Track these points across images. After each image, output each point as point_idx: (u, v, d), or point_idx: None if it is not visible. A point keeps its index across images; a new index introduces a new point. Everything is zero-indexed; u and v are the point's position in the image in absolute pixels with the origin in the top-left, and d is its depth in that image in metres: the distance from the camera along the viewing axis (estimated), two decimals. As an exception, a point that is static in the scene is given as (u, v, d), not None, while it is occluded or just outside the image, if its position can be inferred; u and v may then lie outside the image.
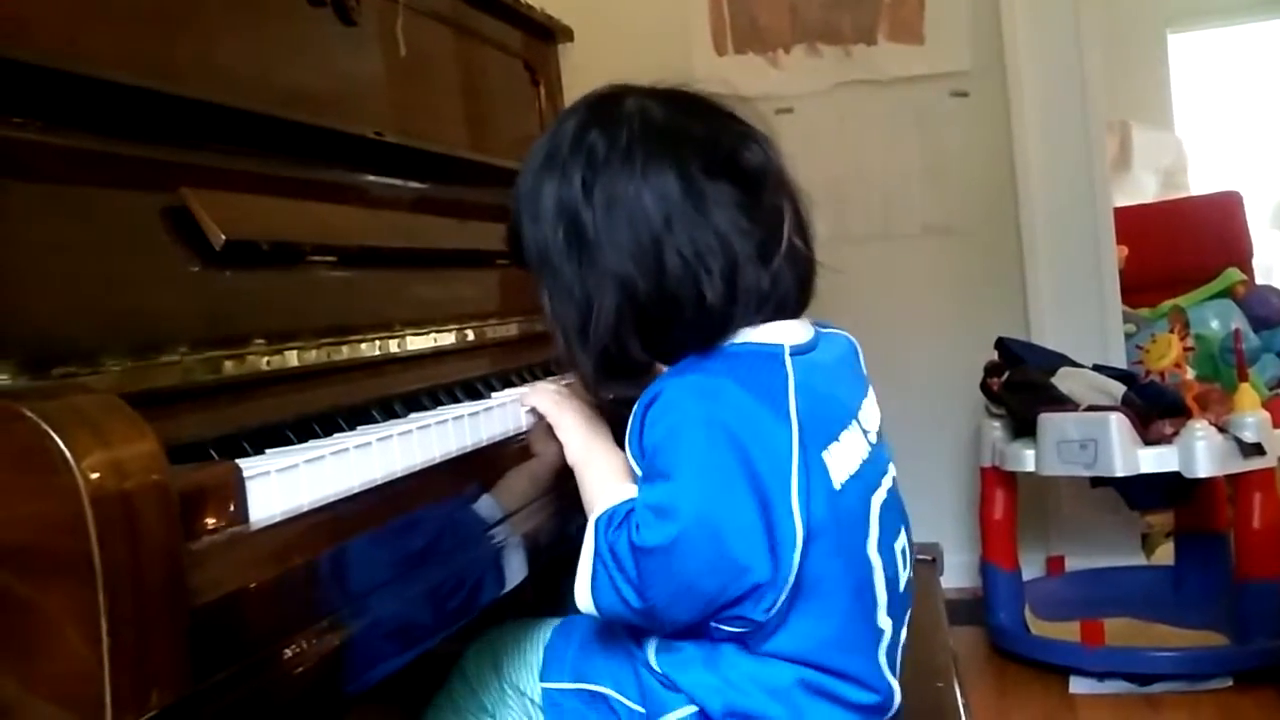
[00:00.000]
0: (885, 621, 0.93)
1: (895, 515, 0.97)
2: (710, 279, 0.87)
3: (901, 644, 0.97)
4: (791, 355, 0.90)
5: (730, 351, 0.90)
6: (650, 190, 0.88)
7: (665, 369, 0.92)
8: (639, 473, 0.89)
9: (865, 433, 0.96)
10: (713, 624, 0.87)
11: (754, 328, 0.91)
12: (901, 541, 0.97)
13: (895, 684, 0.94)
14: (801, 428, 0.85)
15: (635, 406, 0.89)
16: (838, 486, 0.88)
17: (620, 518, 0.86)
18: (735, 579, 0.83)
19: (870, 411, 0.99)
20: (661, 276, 0.87)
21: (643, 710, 0.93)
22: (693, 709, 0.89)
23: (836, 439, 0.91)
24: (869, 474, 0.94)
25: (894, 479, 0.99)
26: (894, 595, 0.94)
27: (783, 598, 0.84)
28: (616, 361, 0.91)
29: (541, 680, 1.02)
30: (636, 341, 0.90)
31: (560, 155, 0.92)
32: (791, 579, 0.84)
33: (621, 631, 0.95)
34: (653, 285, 0.88)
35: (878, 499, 0.94)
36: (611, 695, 0.95)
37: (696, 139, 0.91)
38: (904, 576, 0.97)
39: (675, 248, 0.87)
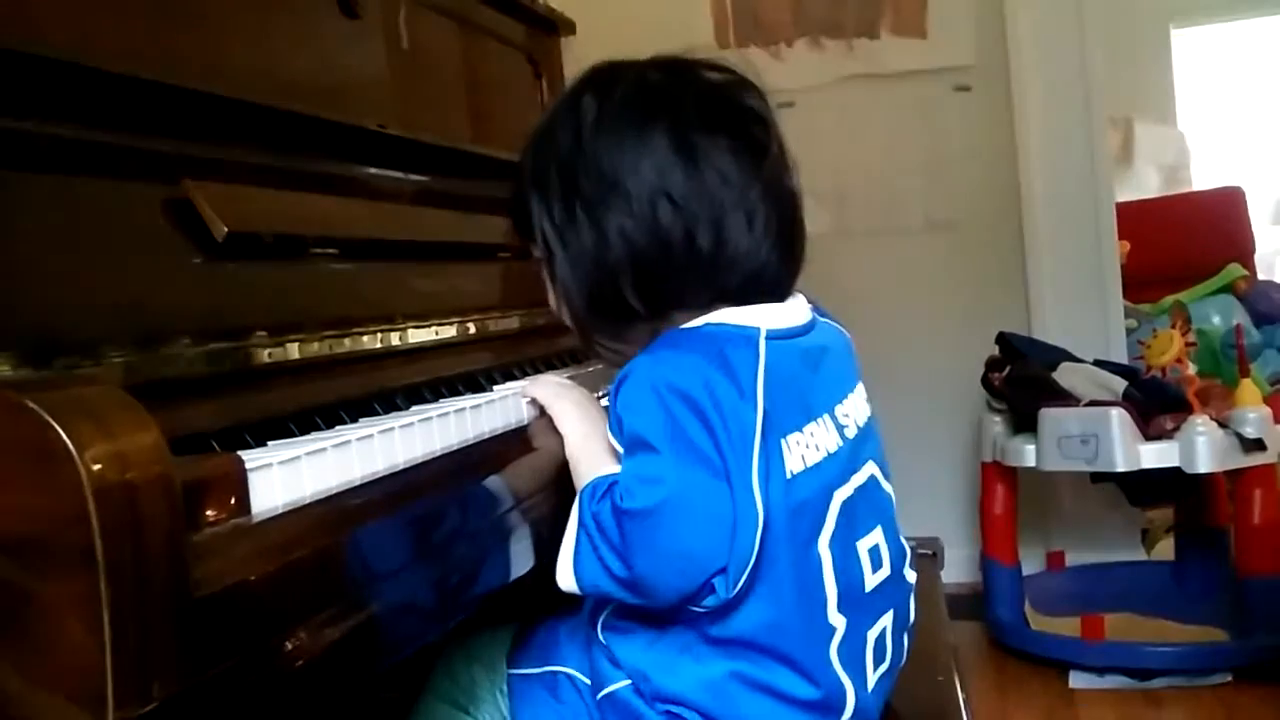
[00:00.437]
0: (837, 619, 0.91)
1: (868, 513, 0.95)
2: (701, 228, 0.90)
3: (876, 648, 0.95)
4: (769, 339, 0.90)
5: (705, 332, 0.91)
6: (643, 145, 0.91)
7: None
8: (620, 449, 0.89)
9: (841, 428, 0.95)
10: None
11: (735, 308, 0.92)
12: (872, 541, 0.95)
13: (848, 683, 0.91)
14: (767, 412, 0.85)
15: (612, 386, 0.90)
16: (789, 475, 0.88)
17: (603, 489, 0.86)
18: (718, 551, 0.82)
19: (853, 406, 0.98)
20: (658, 229, 0.90)
21: (589, 682, 0.95)
22: (629, 682, 0.91)
23: (799, 429, 0.90)
24: (832, 468, 0.92)
25: (874, 476, 0.98)
26: (853, 594, 0.92)
27: (744, 576, 0.84)
28: (618, 321, 0.94)
29: (509, 668, 1.04)
30: (637, 298, 0.92)
31: (557, 122, 0.95)
32: (752, 558, 0.83)
33: (584, 613, 0.96)
34: (652, 240, 0.90)
35: (842, 494, 0.93)
36: (569, 672, 0.97)
37: (689, 94, 0.94)
38: (874, 577, 0.95)
39: (670, 200, 0.90)
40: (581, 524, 0.86)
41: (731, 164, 0.91)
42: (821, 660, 0.90)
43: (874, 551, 0.95)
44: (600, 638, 0.93)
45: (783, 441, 0.88)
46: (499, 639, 1.08)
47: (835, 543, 0.91)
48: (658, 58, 0.98)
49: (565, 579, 0.87)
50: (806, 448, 0.90)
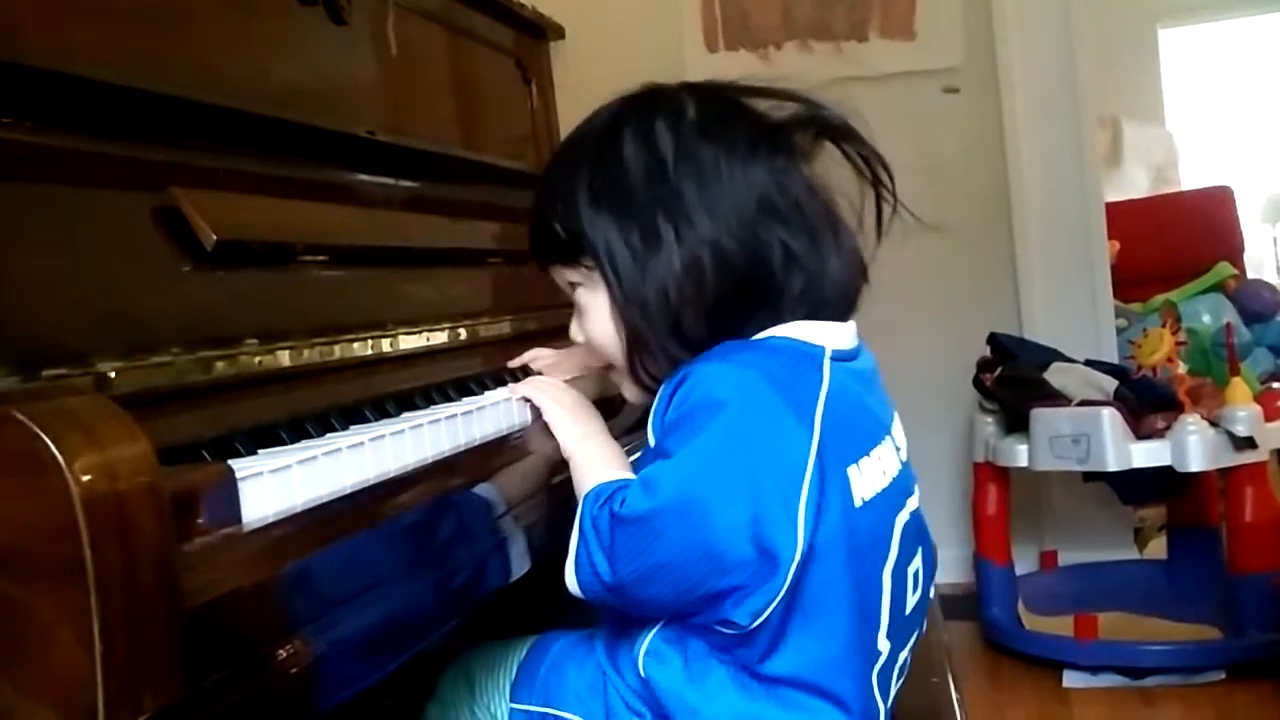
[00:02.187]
0: (884, 645, 0.90)
1: (914, 537, 0.95)
2: (796, 243, 0.90)
3: (899, 666, 0.95)
4: (832, 360, 0.89)
5: (769, 344, 0.89)
6: (737, 159, 0.90)
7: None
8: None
9: (897, 449, 0.95)
10: (699, 624, 0.85)
11: (800, 322, 0.90)
12: (916, 565, 0.94)
13: (881, 705, 0.91)
14: (823, 439, 0.83)
15: (661, 389, 0.89)
16: (858, 504, 0.86)
17: (607, 494, 0.85)
18: (713, 573, 0.80)
19: (899, 429, 0.98)
20: (752, 242, 0.89)
21: None
22: None
23: (867, 454, 0.89)
24: (894, 493, 0.92)
25: (919, 501, 0.97)
26: (898, 618, 0.91)
27: (772, 607, 0.81)
28: (698, 339, 0.90)
29: (511, 701, 1.00)
30: (719, 317, 0.90)
31: (624, 141, 0.92)
32: (783, 590, 0.81)
33: (597, 648, 0.94)
34: (744, 251, 0.89)
35: (901, 519, 0.92)
36: None
37: (759, 112, 0.94)
38: (912, 600, 0.94)
39: (764, 213, 0.89)
40: (580, 528, 0.85)
41: (808, 187, 0.92)
42: (865, 688, 0.89)
43: (916, 574, 0.95)
44: (640, 666, 0.89)
45: (850, 469, 0.86)
46: (503, 662, 1.05)
47: (895, 570, 0.91)
48: (700, 82, 0.97)
49: (570, 583, 0.86)
50: (876, 473, 0.90)
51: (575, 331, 1.00)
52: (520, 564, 0.97)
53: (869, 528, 0.88)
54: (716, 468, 0.81)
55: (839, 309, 0.93)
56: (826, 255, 0.91)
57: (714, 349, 0.89)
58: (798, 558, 0.81)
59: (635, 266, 0.90)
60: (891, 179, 0.97)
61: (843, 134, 0.95)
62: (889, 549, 0.90)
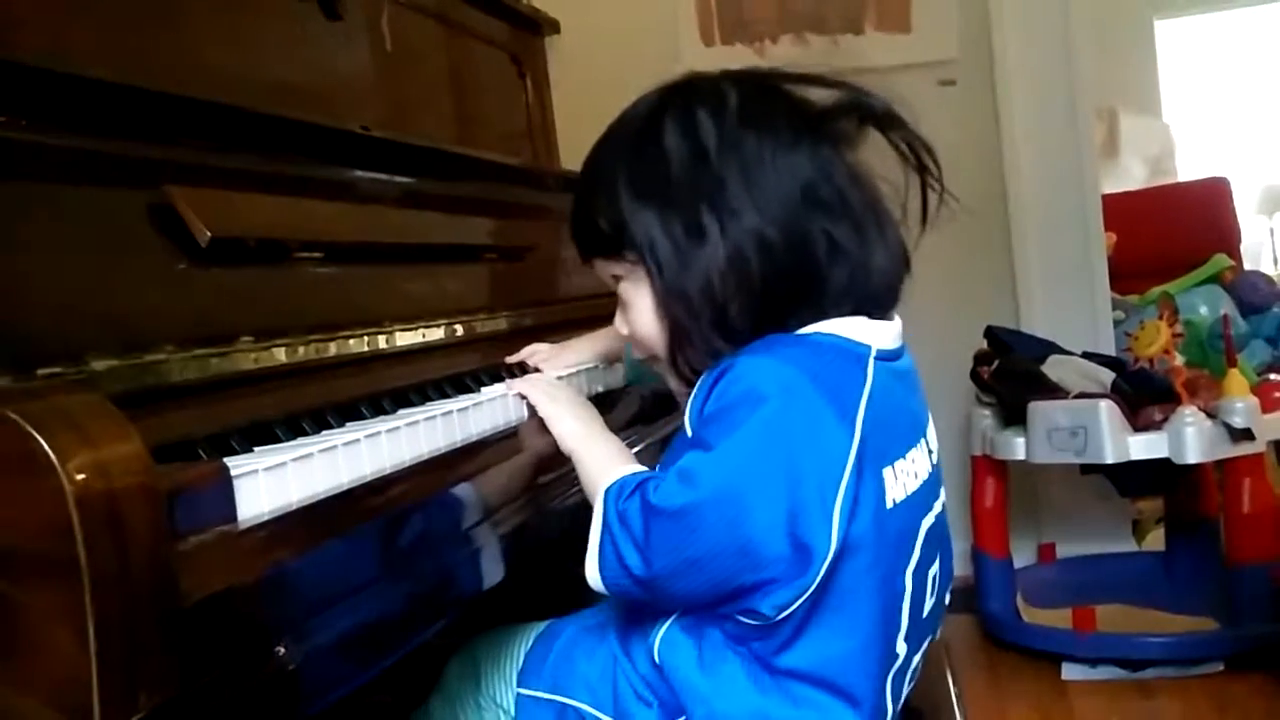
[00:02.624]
0: (901, 648, 0.90)
1: (937, 542, 0.94)
2: (842, 233, 0.89)
3: (912, 670, 0.95)
4: (876, 359, 0.88)
5: (813, 340, 0.88)
6: (782, 150, 0.89)
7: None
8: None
9: (930, 452, 0.95)
10: (721, 613, 0.85)
11: (846, 319, 0.89)
12: (935, 569, 0.94)
13: (890, 708, 0.91)
14: (864, 438, 0.83)
15: (701, 379, 0.88)
16: (889, 505, 0.86)
17: (632, 487, 0.84)
18: (748, 568, 0.80)
19: (933, 431, 0.98)
20: (796, 234, 0.88)
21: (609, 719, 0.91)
22: None
23: (903, 456, 0.89)
24: (923, 495, 0.92)
25: (944, 505, 0.97)
26: (916, 621, 0.91)
27: (799, 602, 0.81)
28: (743, 331, 0.89)
29: (518, 686, 1.00)
30: (767, 304, 0.88)
31: (666, 132, 0.91)
32: (813, 586, 0.81)
33: (610, 636, 0.94)
34: (789, 243, 0.87)
35: (927, 522, 0.92)
36: (584, 709, 0.93)
37: (803, 100, 0.93)
38: (929, 603, 0.94)
39: (808, 204, 0.88)
40: (605, 523, 0.84)
41: (852, 176, 0.91)
42: (879, 689, 0.89)
43: (935, 578, 0.95)
44: (655, 654, 0.89)
45: (887, 470, 0.86)
46: (508, 649, 1.05)
47: (917, 572, 0.90)
48: (741, 70, 0.96)
49: (593, 578, 0.86)
50: (909, 475, 0.89)
51: (620, 323, 0.99)
52: (517, 558, 0.97)
53: (897, 529, 0.87)
54: (756, 462, 0.80)
55: (883, 302, 0.93)
56: (871, 245, 0.90)
57: (757, 342, 0.88)
58: (831, 555, 0.81)
59: (678, 259, 0.89)
60: (938, 165, 0.96)
61: (887, 121, 0.94)
62: (913, 551, 0.90)
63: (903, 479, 0.88)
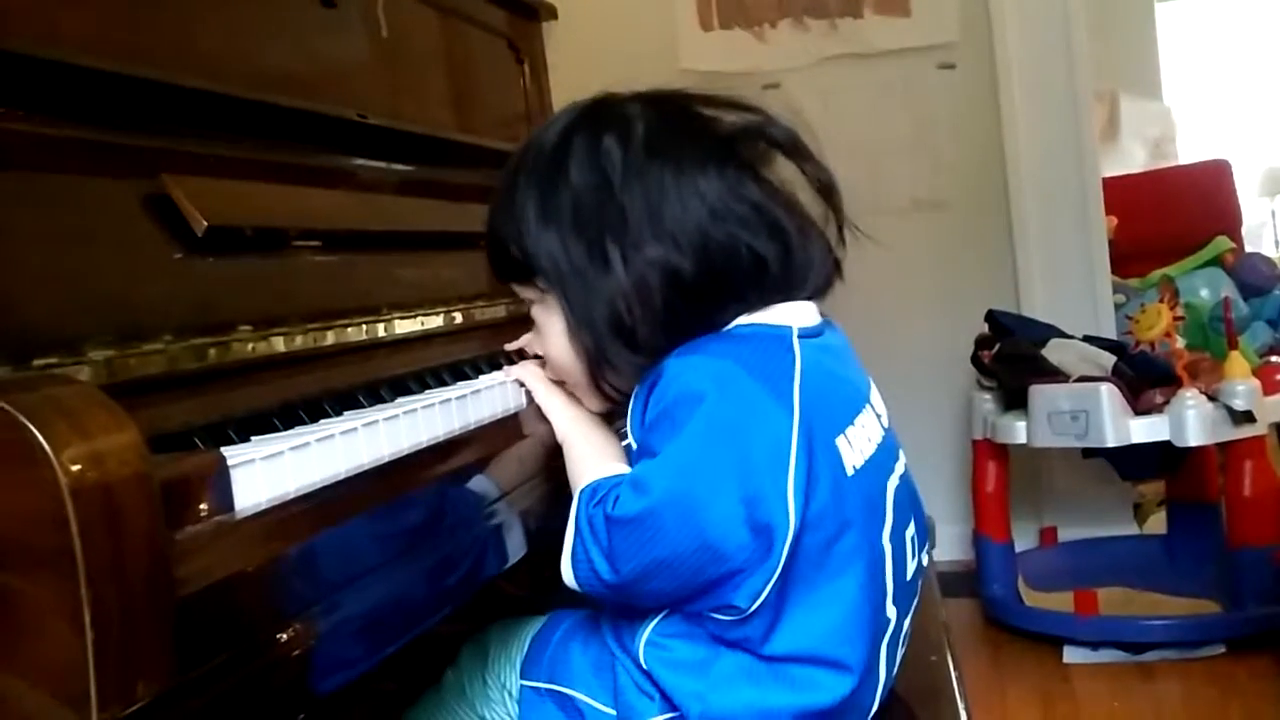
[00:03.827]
0: (892, 611, 0.92)
1: (907, 503, 0.96)
2: (763, 245, 0.89)
3: (904, 635, 0.96)
4: (800, 338, 0.89)
5: (736, 333, 0.90)
6: (686, 179, 0.89)
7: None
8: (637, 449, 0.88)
9: (879, 415, 0.96)
10: (706, 614, 0.85)
11: (764, 310, 0.91)
12: (911, 530, 0.96)
13: (884, 673, 0.92)
14: (806, 414, 0.84)
15: (637, 389, 0.89)
16: (850, 472, 0.87)
17: (603, 492, 0.86)
18: (712, 561, 0.81)
19: (878, 397, 0.99)
20: (708, 257, 0.88)
21: (614, 713, 0.92)
22: (666, 717, 0.88)
23: (852, 423, 0.90)
24: (883, 459, 0.93)
25: (906, 465, 0.98)
26: (900, 584, 0.93)
27: (770, 586, 0.83)
28: (660, 350, 0.90)
29: (521, 677, 1.01)
30: (679, 325, 0.89)
31: (571, 159, 0.92)
32: (779, 567, 0.82)
33: (604, 629, 0.94)
34: (700, 267, 0.88)
35: (892, 484, 0.94)
36: (581, 699, 0.94)
37: (714, 125, 0.93)
38: (911, 565, 0.95)
39: (721, 226, 0.89)
40: (577, 525, 0.86)
41: (765, 190, 0.92)
42: (873, 656, 0.90)
43: (913, 540, 0.96)
44: (640, 660, 0.90)
45: (840, 439, 0.88)
46: (517, 638, 1.05)
47: (893, 534, 0.92)
48: (649, 92, 0.96)
49: (567, 577, 0.87)
50: (864, 441, 0.90)
51: (534, 344, 1.01)
52: (517, 549, 0.97)
53: (863, 494, 0.89)
54: (704, 459, 0.82)
55: (812, 288, 0.94)
56: (793, 251, 0.91)
57: (682, 345, 0.89)
58: (791, 534, 0.82)
59: (584, 287, 0.91)
60: (838, 195, 0.97)
61: (791, 150, 0.94)
62: (884, 514, 0.91)
63: (858, 445, 0.90)
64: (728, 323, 0.91)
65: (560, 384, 1.01)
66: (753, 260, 0.89)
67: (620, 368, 0.92)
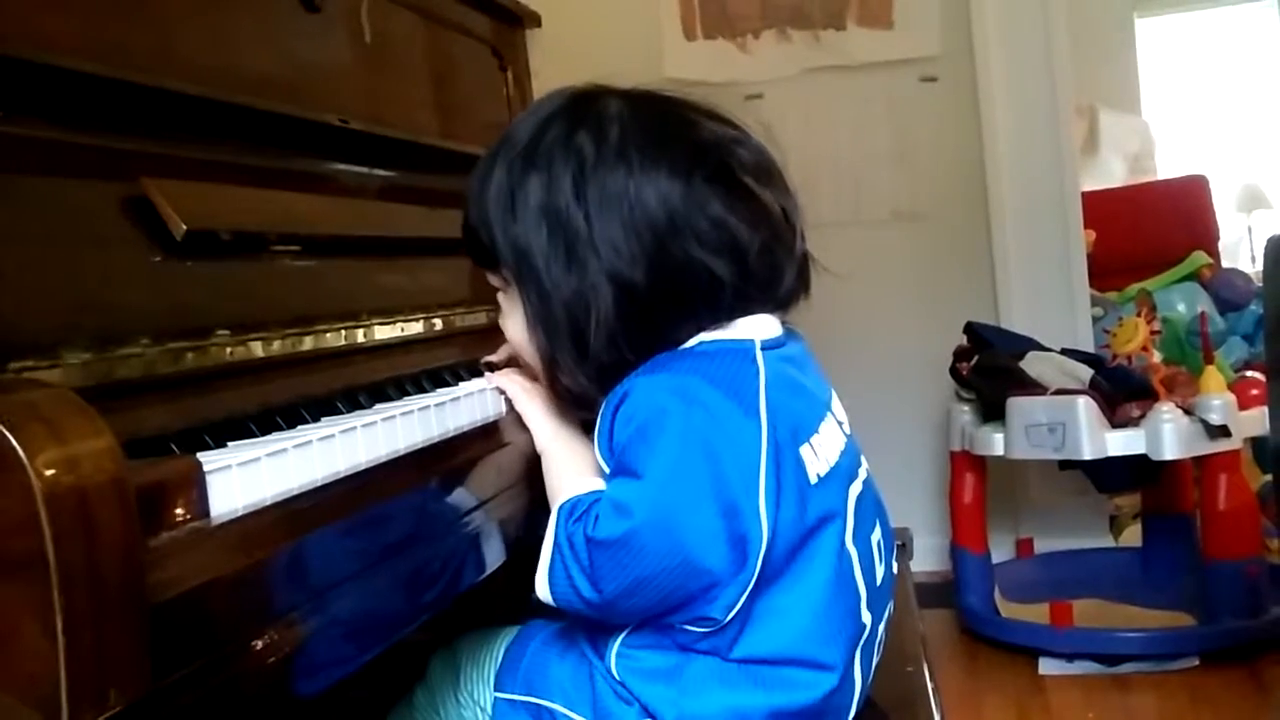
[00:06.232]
0: (866, 616, 0.92)
1: (870, 508, 0.96)
2: (720, 265, 0.88)
3: (879, 642, 0.97)
4: (763, 350, 0.89)
5: (699, 350, 0.90)
6: (649, 187, 0.88)
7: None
8: (608, 471, 0.88)
9: (840, 423, 0.97)
10: (678, 626, 0.86)
11: (727, 325, 0.91)
12: (877, 535, 0.97)
13: (860, 680, 0.93)
14: (773, 425, 0.85)
15: (603, 406, 0.89)
16: (814, 480, 0.88)
17: (582, 509, 0.86)
18: (693, 576, 0.82)
19: (838, 405, 0.99)
20: (663, 271, 0.88)
21: None
22: None
23: (816, 431, 0.91)
24: (845, 465, 0.94)
25: (868, 471, 0.99)
26: (871, 589, 0.93)
27: (744, 598, 0.84)
28: (608, 362, 0.90)
29: (495, 690, 1.01)
30: (629, 339, 0.89)
31: (542, 153, 0.92)
32: (754, 578, 0.83)
33: (579, 638, 0.94)
34: (653, 281, 0.88)
35: (854, 491, 0.94)
36: (559, 710, 0.94)
37: (688, 136, 0.92)
38: (880, 570, 0.96)
39: (679, 242, 0.88)
40: (556, 543, 0.86)
41: (731, 204, 0.90)
42: (849, 662, 0.90)
43: (879, 545, 0.97)
44: (612, 670, 0.90)
45: (804, 448, 0.88)
46: (489, 649, 1.05)
47: (857, 539, 0.92)
48: (636, 91, 0.96)
49: (542, 592, 0.87)
50: (824, 450, 0.91)
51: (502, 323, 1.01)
52: (495, 557, 0.96)
53: (825, 502, 0.89)
54: (681, 477, 0.82)
55: (780, 302, 0.94)
56: (752, 272, 0.90)
57: (646, 364, 0.89)
58: (764, 545, 0.83)
59: (542, 286, 0.91)
60: (800, 221, 0.95)
61: (753, 173, 0.92)
62: (845, 520, 0.91)
63: (822, 453, 0.90)
64: (686, 340, 0.90)
65: (539, 391, 1.01)
66: (708, 279, 0.89)
67: (569, 372, 0.92)
